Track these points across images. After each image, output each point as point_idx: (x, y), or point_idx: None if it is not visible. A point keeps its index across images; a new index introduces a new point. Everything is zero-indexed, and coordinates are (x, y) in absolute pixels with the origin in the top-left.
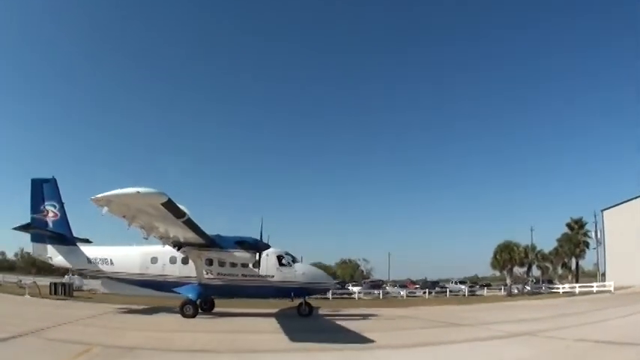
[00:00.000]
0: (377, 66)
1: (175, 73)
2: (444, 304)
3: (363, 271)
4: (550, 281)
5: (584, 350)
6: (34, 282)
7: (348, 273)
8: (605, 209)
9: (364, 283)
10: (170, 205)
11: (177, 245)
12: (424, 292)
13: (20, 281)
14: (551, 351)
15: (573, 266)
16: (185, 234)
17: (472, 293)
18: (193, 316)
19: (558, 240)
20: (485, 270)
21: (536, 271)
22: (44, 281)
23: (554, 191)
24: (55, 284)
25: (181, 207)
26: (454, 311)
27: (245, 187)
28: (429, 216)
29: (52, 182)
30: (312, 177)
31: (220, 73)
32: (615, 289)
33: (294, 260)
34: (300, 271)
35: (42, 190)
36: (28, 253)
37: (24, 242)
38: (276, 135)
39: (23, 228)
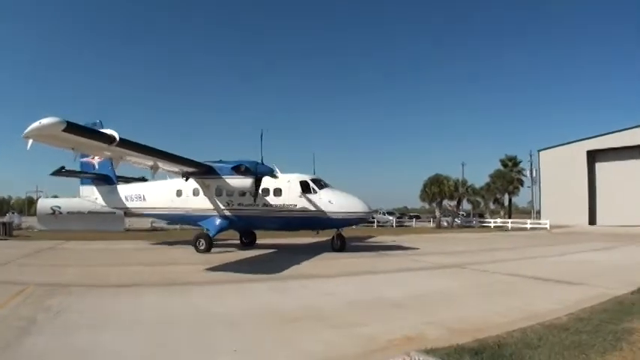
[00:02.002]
0: None
1: None
2: (373, 234)
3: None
4: (481, 215)
5: (514, 285)
6: None
7: None
8: (541, 150)
9: None
10: (76, 130)
11: (183, 175)
12: None
13: None
14: (479, 284)
15: (506, 202)
16: (146, 161)
17: (400, 224)
18: (206, 250)
19: (491, 176)
20: (415, 202)
21: (467, 206)
22: None
23: (487, 129)
24: None
25: (107, 131)
26: (382, 241)
27: None
28: (359, 143)
29: (98, 126)
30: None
31: None
32: (551, 227)
33: (322, 186)
34: (327, 199)
35: None
36: None
37: None
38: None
39: (57, 172)
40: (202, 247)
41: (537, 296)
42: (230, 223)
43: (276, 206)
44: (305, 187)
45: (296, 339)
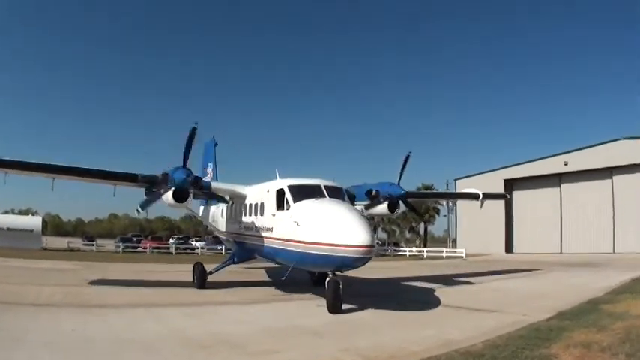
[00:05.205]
0: None
1: None
2: None
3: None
4: (397, 244)
5: (429, 313)
6: None
7: (192, 227)
8: (458, 179)
9: (207, 238)
10: None
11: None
12: None
13: None
14: (395, 313)
15: (422, 231)
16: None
17: None
18: (199, 285)
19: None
20: None
21: (382, 234)
22: None
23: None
24: None
25: None
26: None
27: None
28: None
29: (212, 142)
30: None
31: None
32: (467, 255)
33: (301, 196)
34: (295, 219)
35: (206, 152)
36: None
37: None
38: None
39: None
40: (195, 279)
41: (453, 324)
42: (241, 250)
43: (254, 230)
44: (279, 200)
45: None
